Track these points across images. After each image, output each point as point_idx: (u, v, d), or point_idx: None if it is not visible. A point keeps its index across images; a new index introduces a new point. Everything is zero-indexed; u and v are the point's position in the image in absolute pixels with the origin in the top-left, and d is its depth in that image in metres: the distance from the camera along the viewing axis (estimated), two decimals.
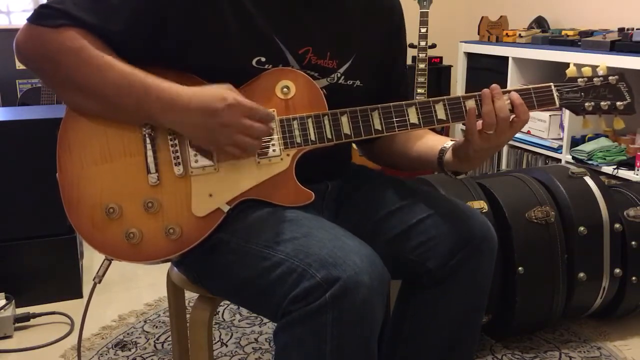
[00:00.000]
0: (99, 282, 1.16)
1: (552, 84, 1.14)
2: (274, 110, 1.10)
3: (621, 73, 1.15)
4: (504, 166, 3.25)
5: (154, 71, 1.07)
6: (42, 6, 1.04)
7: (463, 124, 1.20)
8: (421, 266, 1.17)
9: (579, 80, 1.14)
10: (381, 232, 1.20)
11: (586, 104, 1.14)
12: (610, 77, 1.14)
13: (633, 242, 1.83)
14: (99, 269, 1.15)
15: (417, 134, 1.28)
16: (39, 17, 1.03)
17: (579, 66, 1.16)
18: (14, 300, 2.02)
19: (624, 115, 1.15)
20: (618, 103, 1.14)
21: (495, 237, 1.20)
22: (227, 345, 1.89)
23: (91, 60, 1.03)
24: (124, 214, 1.08)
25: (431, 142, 1.25)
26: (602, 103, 1.14)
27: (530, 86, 1.13)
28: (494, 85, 1.10)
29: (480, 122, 1.10)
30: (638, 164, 2.47)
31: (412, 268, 1.18)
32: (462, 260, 1.16)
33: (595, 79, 1.14)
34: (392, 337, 1.27)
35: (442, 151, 1.20)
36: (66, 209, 1.09)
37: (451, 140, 1.21)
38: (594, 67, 1.15)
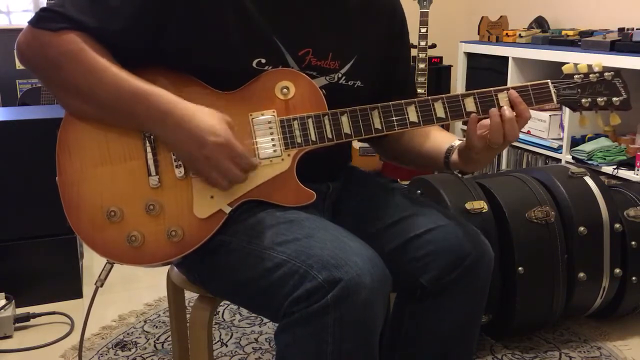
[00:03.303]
0: (101, 285, 1.16)
1: (549, 80, 1.14)
2: (273, 111, 1.10)
3: (617, 69, 1.16)
4: (504, 166, 3.25)
5: (153, 73, 1.07)
6: (43, 9, 1.04)
7: (464, 124, 1.19)
8: (415, 281, 1.16)
9: (576, 76, 1.15)
10: (378, 244, 1.19)
11: (583, 100, 1.15)
12: (606, 74, 1.15)
13: (633, 242, 1.83)
14: (101, 272, 1.15)
15: (424, 131, 1.27)
16: (39, 20, 1.03)
17: (575, 64, 1.17)
18: (14, 300, 2.02)
19: (621, 111, 1.16)
20: (614, 99, 1.15)
21: (492, 255, 1.19)
22: (227, 345, 1.89)
23: (88, 64, 1.02)
24: (125, 217, 1.07)
25: (439, 141, 1.24)
26: (599, 99, 1.15)
27: (528, 83, 1.14)
28: (505, 109, 1.10)
29: (483, 126, 1.10)
30: (638, 164, 2.47)
31: (406, 281, 1.17)
32: (457, 279, 1.14)
33: (591, 76, 1.15)
34: (390, 345, 1.26)
35: (449, 151, 1.20)
36: (66, 212, 1.08)
37: (458, 140, 1.21)
38: (590, 66, 1.16)
